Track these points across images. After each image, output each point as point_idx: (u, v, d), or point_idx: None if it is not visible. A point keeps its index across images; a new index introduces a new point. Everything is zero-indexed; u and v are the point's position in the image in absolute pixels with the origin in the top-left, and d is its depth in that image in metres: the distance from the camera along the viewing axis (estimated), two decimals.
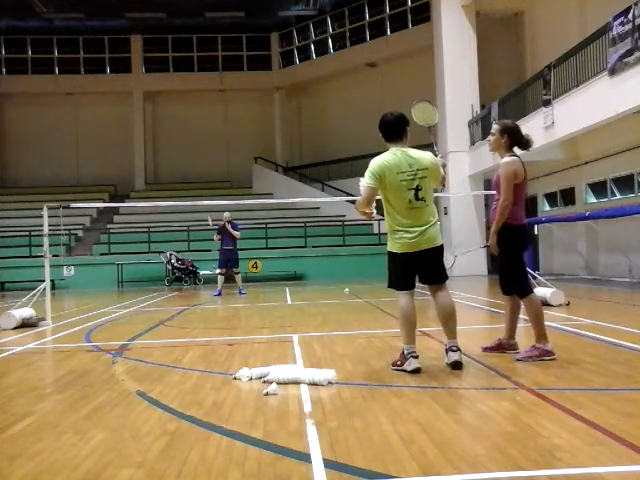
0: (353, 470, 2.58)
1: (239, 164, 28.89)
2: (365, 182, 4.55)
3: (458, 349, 4.53)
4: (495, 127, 5.00)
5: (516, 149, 4.97)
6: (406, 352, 4.48)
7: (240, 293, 14.22)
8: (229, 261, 14.28)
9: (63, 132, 29.27)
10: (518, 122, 15.53)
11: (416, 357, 4.45)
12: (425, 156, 4.59)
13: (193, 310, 10.85)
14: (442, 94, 19.70)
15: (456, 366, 4.46)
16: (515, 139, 4.92)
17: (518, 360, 4.70)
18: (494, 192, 5.03)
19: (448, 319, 4.59)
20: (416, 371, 4.38)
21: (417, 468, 2.56)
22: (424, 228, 4.49)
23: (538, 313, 4.79)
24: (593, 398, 3.58)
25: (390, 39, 26.03)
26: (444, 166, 4.78)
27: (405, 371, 4.42)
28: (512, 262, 4.88)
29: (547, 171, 18.04)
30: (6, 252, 20.83)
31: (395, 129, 4.62)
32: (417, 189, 4.47)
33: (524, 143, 4.95)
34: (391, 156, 4.54)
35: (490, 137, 5.02)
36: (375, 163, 4.56)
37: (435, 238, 4.56)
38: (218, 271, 14.59)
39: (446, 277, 4.70)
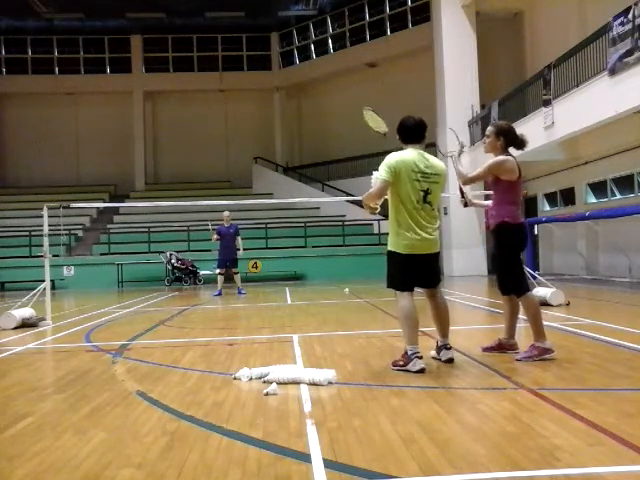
0: (353, 470, 2.58)
1: (239, 164, 28.90)
2: (380, 175, 4.56)
3: (451, 347, 4.81)
4: (490, 129, 5.04)
5: (512, 149, 5.00)
6: (410, 353, 4.49)
7: (240, 293, 14.20)
8: (228, 261, 14.28)
9: (63, 132, 29.29)
10: (518, 122, 15.45)
11: (420, 357, 4.49)
12: (439, 163, 4.73)
13: (193, 310, 10.85)
14: (442, 94, 19.70)
15: (450, 361, 4.72)
16: (510, 140, 4.95)
17: (518, 360, 4.71)
18: (491, 192, 5.07)
19: (445, 319, 4.80)
20: (421, 371, 4.40)
21: (417, 468, 2.56)
22: (429, 231, 4.60)
23: (535, 312, 4.81)
24: (593, 398, 3.58)
25: (390, 39, 26.04)
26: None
27: (409, 371, 4.43)
28: (509, 261, 4.90)
29: (547, 171, 18.04)
30: (6, 252, 20.83)
31: (414, 133, 4.68)
32: (427, 192, 4.56)
33: (519, 143, 4.99)
34: (409, 154, 4.60)
35: (485, 139, 5.07)
36: (393, 157, 4.59)
37: (437, 243, 4.71)
38: (218, 271, 14.58)
39: (440, 280, 4.89)
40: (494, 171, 4.85)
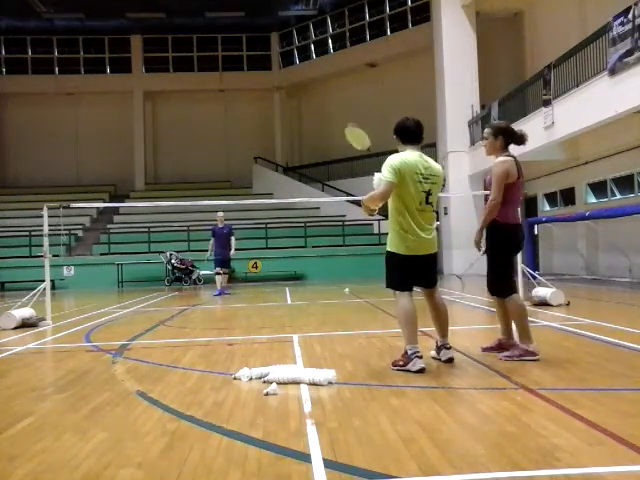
0: (353, 470, 2.58)
1: (239, 164, 28.90)
2: (383, 176, 4.52)
3: (451, 346, 4.83)
4: (487, 131, 5.01)
5: (512, 147, 4.97)
6: (410, 352, 4.50)
7: (223, 293, 13.98)
8: (220, 262, 14.18)
9: (63, 132, 29.28)
10: (518, 122, 15.43)
11: (420, 357, 4.50)
12: (436, 165, 4.77)
13: (193, 310, 10.85)
14: (442, 94, 19.71)
15: (450, 361, 4.73)
16: (509, 137, 4.92)
17: (500, 359, 4.73)
18: (489, 192, 5.03)
19: (444, 319, 4.81)
20: (421, 371, 4.41)
21: (417, 468, 2.56)
22: (429, 231, 4.64)
23: (519, 315, 4.82)
24: (593, 398, 3.58)
25: (390, 39, 26.04)
26: None
27: (409, 371, 4.43)
28: (500, 261, 4.89)
29: (547, 171, 18.04)
30: (6, 252, 20.82)
31: (415, 134, 4.69)
32: (428, 193, 4.60)
33: (518, 138, 4.94)
34: (410, 156, 4.61)
35: (484, 141, 5.03)
36: (395, 159, 4.57)
37: (435, 244, 4.75)
38: (216, 271, 14.47)
39: (438, 280, 4.92)
40: (504, 179, 4.73)
